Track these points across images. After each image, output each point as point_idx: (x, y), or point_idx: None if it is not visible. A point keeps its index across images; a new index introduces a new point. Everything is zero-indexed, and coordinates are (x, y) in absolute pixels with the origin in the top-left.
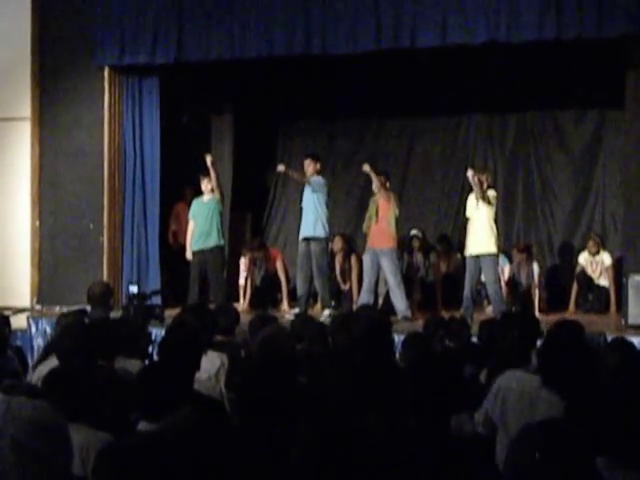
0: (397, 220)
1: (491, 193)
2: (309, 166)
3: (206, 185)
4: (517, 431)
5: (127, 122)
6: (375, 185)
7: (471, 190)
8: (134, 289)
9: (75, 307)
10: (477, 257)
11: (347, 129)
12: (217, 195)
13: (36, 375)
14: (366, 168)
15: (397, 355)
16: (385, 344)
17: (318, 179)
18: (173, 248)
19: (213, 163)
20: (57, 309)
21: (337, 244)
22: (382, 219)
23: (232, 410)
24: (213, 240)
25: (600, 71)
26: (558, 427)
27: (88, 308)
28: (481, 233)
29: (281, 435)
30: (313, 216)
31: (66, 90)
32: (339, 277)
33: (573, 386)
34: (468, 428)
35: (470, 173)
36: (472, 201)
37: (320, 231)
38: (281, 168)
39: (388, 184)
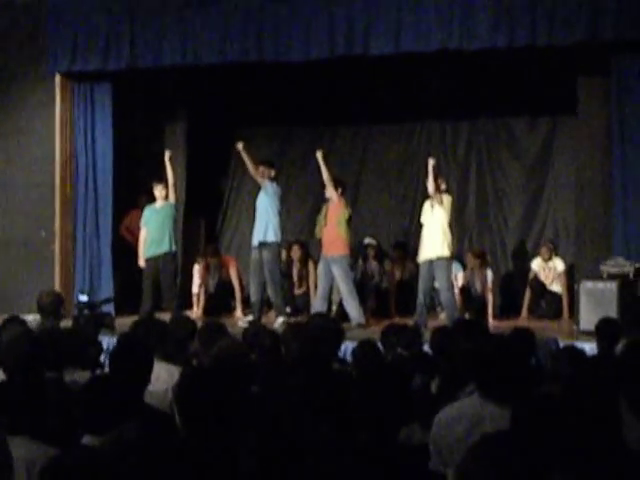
0: (349, 225)
1: (446, 198)
2: (263, 173)
3: (160, 191)
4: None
5: (79, 129)
6: (329, 191)
7: (426, 196)
8: (84, 298)
9: (25, 315)
10: (430, 262)
11: (301, 135)
12: (172, 199)
13: None
14: (318, 155)
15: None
16: (336, 352)
17: (271, 185)
18: (125, 245)
19: (171, 159)
20: (6, 317)
21: (295, 252)
22: (332, 225)
23: (181, 422)
24: (165, 246)
25: (552, 78)
26: (504, 440)
27: (29, 317)
28: (434, 238)
29: (229, 447)
30: (264, 221)
31: (17, 97)
32: (296, 283)
33: (519, 397)
34: (418, 438)
35: (432, 162)
36: (427, 206)
37: (271, 236)
38: (239, 146)
39: (340, 190)
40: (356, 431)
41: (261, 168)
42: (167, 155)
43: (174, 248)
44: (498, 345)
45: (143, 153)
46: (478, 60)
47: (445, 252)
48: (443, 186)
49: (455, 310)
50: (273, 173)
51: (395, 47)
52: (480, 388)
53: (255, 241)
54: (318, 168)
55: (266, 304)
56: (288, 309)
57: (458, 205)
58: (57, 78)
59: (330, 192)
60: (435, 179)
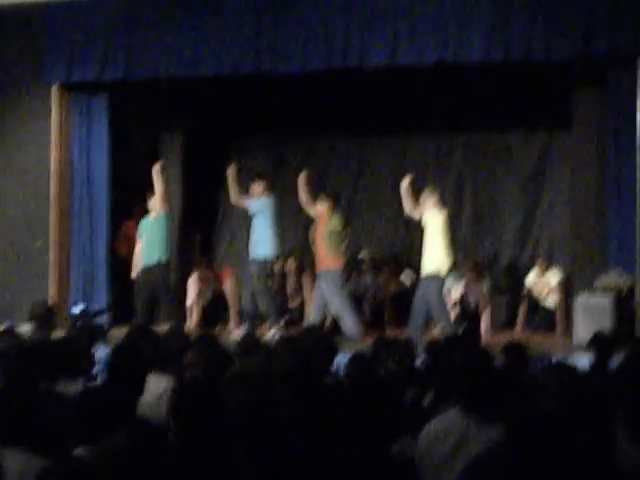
0: (340, 238)
1: (435, 214)
2: (256, 188)
3: (152, 202)
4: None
5: (75, 140)
6: (304, 202)
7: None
8: (77, 309)
9: (20, 326)
10: (423, 279)
11: (297, 148)
12: (165, 208)
13: None
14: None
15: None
16: (329, 366)
17: (256, 202)
18: (120, 260)
19: (163, 169)
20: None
21: (290, 265)
22: (319, 241)
23: (174, 434)
24: (155, 257)
25: (547, 92)
26: (497, 459)
27: (24, 328)
28: (424, 255)
29: (221, 459)
30: (253, 238)
31: (13, 107)
32: (290, 296)
33: (511, 413)
34: (410, 452)
35: (405, 182)
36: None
37: (257, 253)
38: (231, 171)
39: (325, 205)
40: (348, 445)
41: (254, 184)
42: (156, 166)
43: (164, 257)
44: (483, 360)
45: (139, 164)
46: (473, 74)
47: (432, 269)
48: (430, 202)
49: (449, 324)
50: (262, 187)
51: (391, 60)
52: (465, 403)
53: (249, 256)
54: (313, 181)
55: (260, 316)
56: (282, 321)
57: (453, 219)
58: (54, 89)
59: (310, 211)
60: (410, 197)
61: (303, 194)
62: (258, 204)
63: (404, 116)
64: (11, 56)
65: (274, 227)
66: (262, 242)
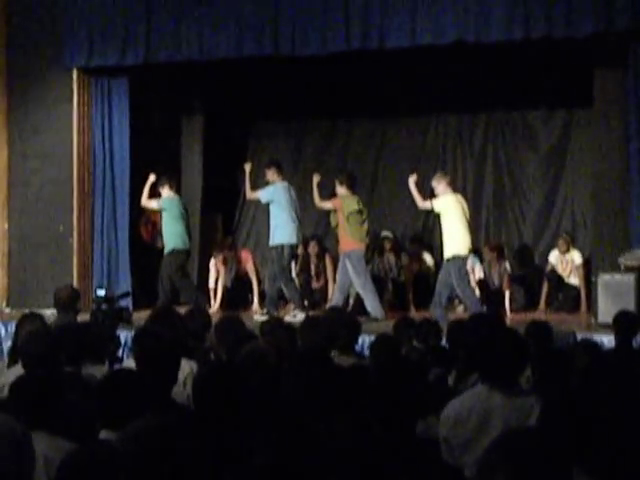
0: (361, 219)
1: (438, 202)
2: (269, 174)
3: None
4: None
5: (96, 124)
6: (316, 203)
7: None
8: (102, 292)
9: (44, 310)
10: (445, 261)
11: (317, 130)
12: (168, 195)
13: (2, 381)
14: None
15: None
16: (353, 346)
17: (266, 193)
18: (143, 244)
19: (157, 182)
20: (24, 313)
21: (313, 248)
22: (340, 224)
23: (198, 417)
24: (169, 244)
25: (568, 70)
26: (529, 435)
27: (48, 312)
28: (443, 240)
29: (245, 441)
30: (271, 225)
31: (35, 92)
32: (314, 277)
33: (546, 390)
34: (435, 431)
35: (411, 179)
36: None
37: (274, 239)
38: (247, 167)
39: (340, 187)
40: (373, 425)
41: (268, 170)
42: (151, 177)
43: (171, 246)
44: (506, 334)
45: (160, 147)
46: (494, 53)
47: (453, 251)
48: (441, 187)
49: (476, 304)
50: (275, 173)
51: (411, 40)
52: (487, 378)
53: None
54: (334, 162)
55: (281, 298)
56: (306, 303)
57: (474, 198)
58: (74, 73)
59: (325, 207)
60: (418, 193)
61: (314, 196)
62: (268, 194)
63: (424, 96)
64: (32, 41)
65: (291, 213)
66: (279, 229)
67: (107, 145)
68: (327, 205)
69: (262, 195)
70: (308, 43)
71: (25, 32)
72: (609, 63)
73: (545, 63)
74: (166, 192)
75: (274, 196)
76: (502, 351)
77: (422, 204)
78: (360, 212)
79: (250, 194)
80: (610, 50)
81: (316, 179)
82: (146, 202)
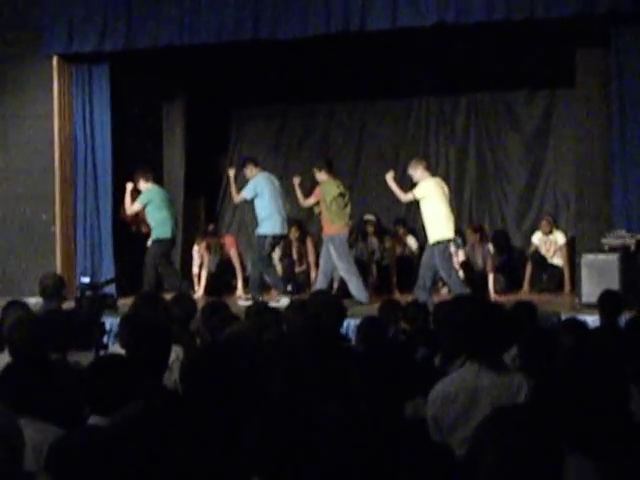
0: (342, 202)
1: (417, 189)
2: (248, 172)
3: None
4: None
5: (77, 111)
6: (300, 202)
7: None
8: (86, 279)
9: (27, 298)
10: (429, 245)
11: (298, 113)
12: (147, 186)
13: None
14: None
15: (354, 340)
16: (339, 329)
17: (249, 191)
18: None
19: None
20: (8, 301)
21: (293, 233)
22: (322, 209)
23: (186, 401)
24: (153, 234)
25: (550, 51)
26: (519, 412)
27: (32, 300)
28: (426, 223)
29: (233, 425)
30: (257, 216)
31: (14, 80)
32: (296, 261)
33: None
34: (423, 413)
35: (388, 176)
36: None
37: (259, 230)
38: (231, 172)
39: (319, 173)
40: (361, 406)
41: (245, 168)
42: (129, 186)
43: (155, 235)
44: (491, 309)
45: (142, 134)
46: (475, 34)
47: (436, 235)
48: (418, 172)
49: (460, 286)
50: (253, 169)
51: (392, 23)
52: (474, 355)
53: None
54: (316, 145)
55: (264, 284)
56: (289, 287)
57: (457, 180)
58: (54, 60)
59: (309, 203)
60: (398, 188)
61: (299, 197)
62: (251, 190)
63: (405, 79)
64: (11, 28)
65: (277, 203)
66: (265, 221)
67: (89, 132)
68: (311, 201)
69: (246, 194)
70: (288, 27)
71: (3, 19)
72: (591, 44)
73: (527, 44)
74: (143, 185)
75: (257, 189)
76: (488, 325)
77: (404, 197)
78: (342, 195)
79: (236, 198)
80: (592, 31)
81: (297, 181)
82: (130, 210)
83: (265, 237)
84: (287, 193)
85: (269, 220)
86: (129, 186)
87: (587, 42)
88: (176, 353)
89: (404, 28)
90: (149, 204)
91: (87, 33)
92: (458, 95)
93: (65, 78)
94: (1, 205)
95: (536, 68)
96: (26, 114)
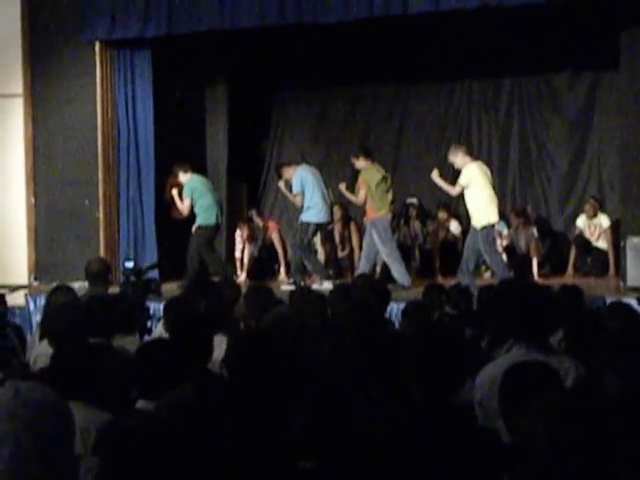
0: (383, 187)
1: (462, 177)
2: (287, 173)
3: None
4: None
5: (120, 96)
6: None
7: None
8: (130, 265)
9: (71, 283)
10: (472, 229)
11: (341, 96)
12: (186, 176)
13: (34, 353)
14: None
15: (397, 324)
16: (383, 312)
17: (295, 185)
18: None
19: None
20: (55, 285)
21: (336, 214)
22: (361, 195)
23: (231, 386)
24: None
25: (594, 32)
26: (577, 397)
27: (76, 285)
28: (470, 208)
29: (279, 410)
30: (304, 205)
31: (58, 66)
32: (339, 245)
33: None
34: (469, 397)
35: (434, 173)
36: None
37: (304, 217)
38: (280, 185)
39: (357, 161)
40: (411, 392)
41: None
42: (174, 192)
43: (198, 222)
44: (538, 291)
45: (184, 118)
46: (519, 17)
47: (479, 219)
48: (459, 159)
49: (504, 270)
50: (290, 170)
51: (435, 5)
52: (521, 337)
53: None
54: (358, 130)
55: (306, 268)
56: (331, 272)
57: (500, 163)
58: (97, 46)
59: (358, 199)
60: (445, 183)
61: (350, 198)
62: (298, 185)
63: (448, 62)
64: (54, 15)
65: (321, 191)
66: (310, 209)
67: (131, 118)
68: (362, 194)
69: (295, 190)
70: (331, 11)
71: (47, 7)
72: (636, 25)
73: (570, 25)
74: (183, 177)
75: (302, 183)
76: (535, 308)
77: (454, 191)
78: (384, 179)
79: (297, 201)
80: (637, 11)
81: (343, 186)
82: (183, 208)
83: (309, 224)
84: (326, 178)
85: (314, 208)
86: (174, 192)
87: (631, 23)
88: (220, 338)
89: (447, 11)
90: (193, 193)
91: (129, 19)
92: (501, 78)
93: (107, 64)
94: (45, 191)
95: (580, 51)
96: (69, 100)
